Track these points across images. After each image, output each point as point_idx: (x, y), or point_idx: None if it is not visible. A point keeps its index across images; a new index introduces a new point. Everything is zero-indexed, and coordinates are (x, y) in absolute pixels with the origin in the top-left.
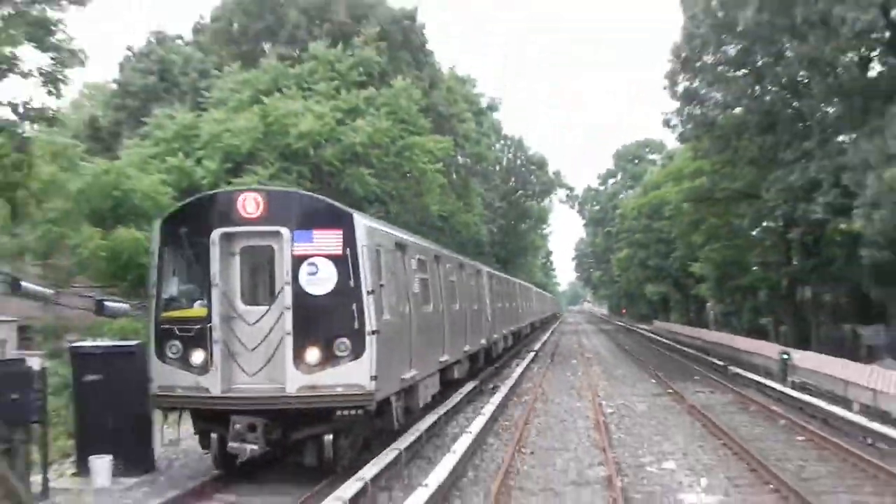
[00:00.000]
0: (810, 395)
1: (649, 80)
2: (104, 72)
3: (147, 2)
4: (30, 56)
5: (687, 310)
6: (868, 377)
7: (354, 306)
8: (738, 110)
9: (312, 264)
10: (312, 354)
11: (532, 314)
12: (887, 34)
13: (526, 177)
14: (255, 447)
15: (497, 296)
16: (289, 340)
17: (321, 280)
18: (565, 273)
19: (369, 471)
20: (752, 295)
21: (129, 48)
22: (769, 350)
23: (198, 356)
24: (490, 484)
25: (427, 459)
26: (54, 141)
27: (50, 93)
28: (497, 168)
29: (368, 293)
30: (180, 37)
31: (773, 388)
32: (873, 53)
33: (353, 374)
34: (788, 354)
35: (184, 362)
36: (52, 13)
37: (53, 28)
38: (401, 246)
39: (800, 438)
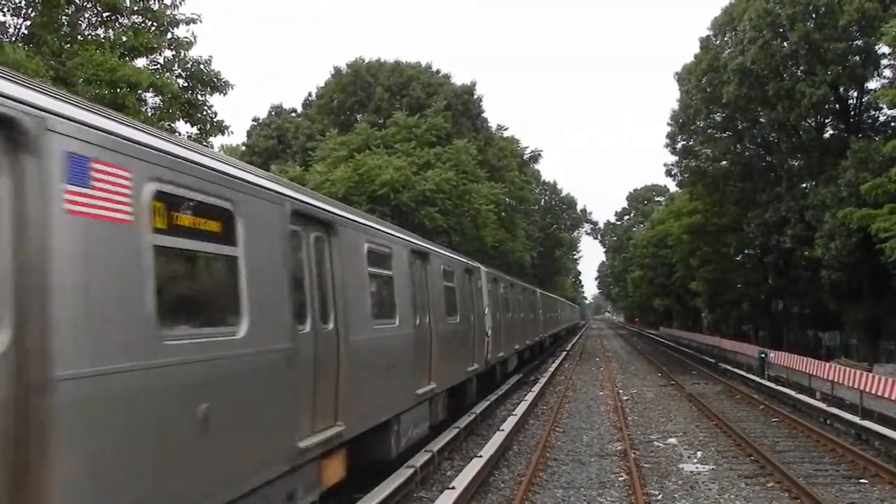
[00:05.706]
0: (783, 386)
1: (653, 137)
2: (236, 136)
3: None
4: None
5: (686, 318)
6: (827, 372)
7: None
8: (723, 163)
9: None
10: None
11: (558, 323)
12: (837, 106)
13: (559, 214)
14: None
15: (507, 305)
16: None
17: None
18: (590, 289)
19: None
20: (736, 307)
21: (255, 119)
22: (750, 350)
23: None
24: (531, 455)
25: None
26: None
27: None
28: (537, 207)
29: None
30: (294, 109)
31: (754, 381)
32: (827, 120)
33: None
34: (766, 354)
35: None
36: (200, 97)
37: (204, 108)
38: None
39: (774, 420)
